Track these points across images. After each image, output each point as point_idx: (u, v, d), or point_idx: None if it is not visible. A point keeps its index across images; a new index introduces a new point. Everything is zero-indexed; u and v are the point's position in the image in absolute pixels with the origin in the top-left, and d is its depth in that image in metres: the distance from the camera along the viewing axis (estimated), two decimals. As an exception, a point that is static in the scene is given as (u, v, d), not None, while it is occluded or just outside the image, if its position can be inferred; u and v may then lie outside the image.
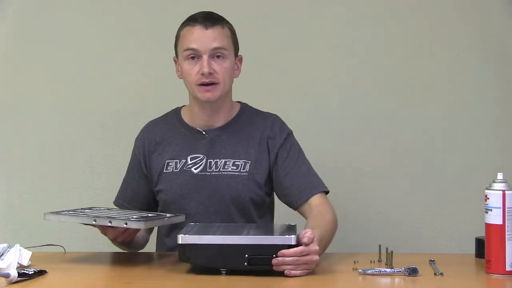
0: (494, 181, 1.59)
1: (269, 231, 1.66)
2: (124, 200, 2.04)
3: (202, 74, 1.87)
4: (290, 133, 2.01)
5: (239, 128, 1.99)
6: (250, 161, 1.94)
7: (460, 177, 2.52)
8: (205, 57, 1.87)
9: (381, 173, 2.53)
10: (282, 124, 2.02)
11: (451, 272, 1.61)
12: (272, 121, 2.01)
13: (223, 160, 1.94)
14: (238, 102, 2.06)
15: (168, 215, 1.79)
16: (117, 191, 2.07)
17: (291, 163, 1.95)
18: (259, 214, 1.98)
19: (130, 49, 2.56)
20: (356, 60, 2.54)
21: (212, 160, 1.95)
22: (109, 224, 1.67)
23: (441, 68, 2.54)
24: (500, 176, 1.59)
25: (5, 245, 1.66)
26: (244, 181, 1.93)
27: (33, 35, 2.56)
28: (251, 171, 1.94)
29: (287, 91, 2.54)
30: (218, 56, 1.89)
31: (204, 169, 1.94)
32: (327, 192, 1.96)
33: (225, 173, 1.93)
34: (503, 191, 1.57)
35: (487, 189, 1.60)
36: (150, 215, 1.77)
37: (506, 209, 1.56)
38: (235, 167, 1.94)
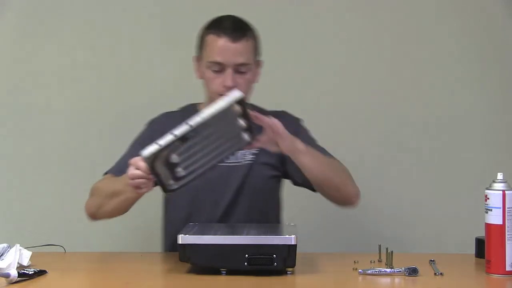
0: (494, 181, 1.59)
1: (269, 231, 1.66)
2: (121, 172, 1.88)
3: (225, 86, 1.88)
4: (298, 123, 2.04)
5: None
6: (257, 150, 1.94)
7: (460, 177, 2.52)
8: (229, 70, 1.88)
9: (381, 173, 2.53)
10: (290, 117, 2.04)
11: (451, 272, 1.61)
12: (279, 117, 2.00)
13: None
14: None
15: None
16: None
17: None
18: (267, 204, 2.00)
19: (133, 48, 2.56)
20: (355, 60, 2.54)
21: None
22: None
23: (441, 68, 2.54)
24: (500, 176, 1.59)
25: (5, 245, 1.65)
26: (253, 167, 1.94)
27: (36, 34, 2.56)
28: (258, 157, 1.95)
29: (287, 90, 2.54)
30: (242, 70, 1.90)
31: None
32: None
33: (232, 164, 1.94)
34: (503, 191, 1.57)
35: (487, 189, 1.60)
36: None
37: (506, 209, 1.56)
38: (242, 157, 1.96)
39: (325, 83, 2.54)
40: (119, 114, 2.54)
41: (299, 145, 1.77)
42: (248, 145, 1.67)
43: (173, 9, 2.54)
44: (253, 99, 2.09)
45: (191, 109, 2.04)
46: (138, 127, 2.09)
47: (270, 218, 1.99)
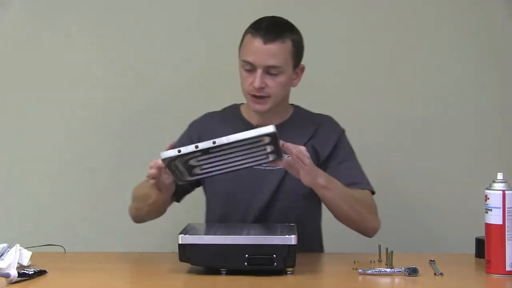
0: (494, 181, 1.59)
1: (269, 231, 1.66)
2: None
3: (253, 87, 1.89)
4: (341, 133, 2.03)
5: (291, 129, 1.97)
6: None
7: (460, 177, 2.52)
8: (259, 71, 1.88)
9: (381, 173, 2.52)
10: (334, 124, 2.04)
11: (451, 272, 1.61)
12: (323, 123, 2.03)
13: None
14: (291, 104, 2.07)
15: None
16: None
17: (342, 163, 1.97)
18: (304, 209, 1.98)
19: (139, 48, 2.55)
20: (355, 60, 2.54)
21: None
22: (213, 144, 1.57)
23: (442, 68, 2.54)
24: (500, 176, 1.59)
25: (5, 245, 1.66)
26: (285, 175, 1.92)
27: (37, 33, 2.55)
28: None
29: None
30: (272, 72, 1.90)
31: None
32: (373, 193, 1.98)
33: (268, 168, 1.91)
34: (503, 191, 1.57)
35: (487, 189, 1.60)
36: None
37: (506, 209, 1.56)
38: None
39: (325, 83, 2.54)
40: (120, 114, 2.54)
41: (321, 180, 1.77)
42: (271, 162, 1.70)
43: (176, 10, 2.54)
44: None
45: (233, 110, 2.07)
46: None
47: (306, 223, 1.93)
